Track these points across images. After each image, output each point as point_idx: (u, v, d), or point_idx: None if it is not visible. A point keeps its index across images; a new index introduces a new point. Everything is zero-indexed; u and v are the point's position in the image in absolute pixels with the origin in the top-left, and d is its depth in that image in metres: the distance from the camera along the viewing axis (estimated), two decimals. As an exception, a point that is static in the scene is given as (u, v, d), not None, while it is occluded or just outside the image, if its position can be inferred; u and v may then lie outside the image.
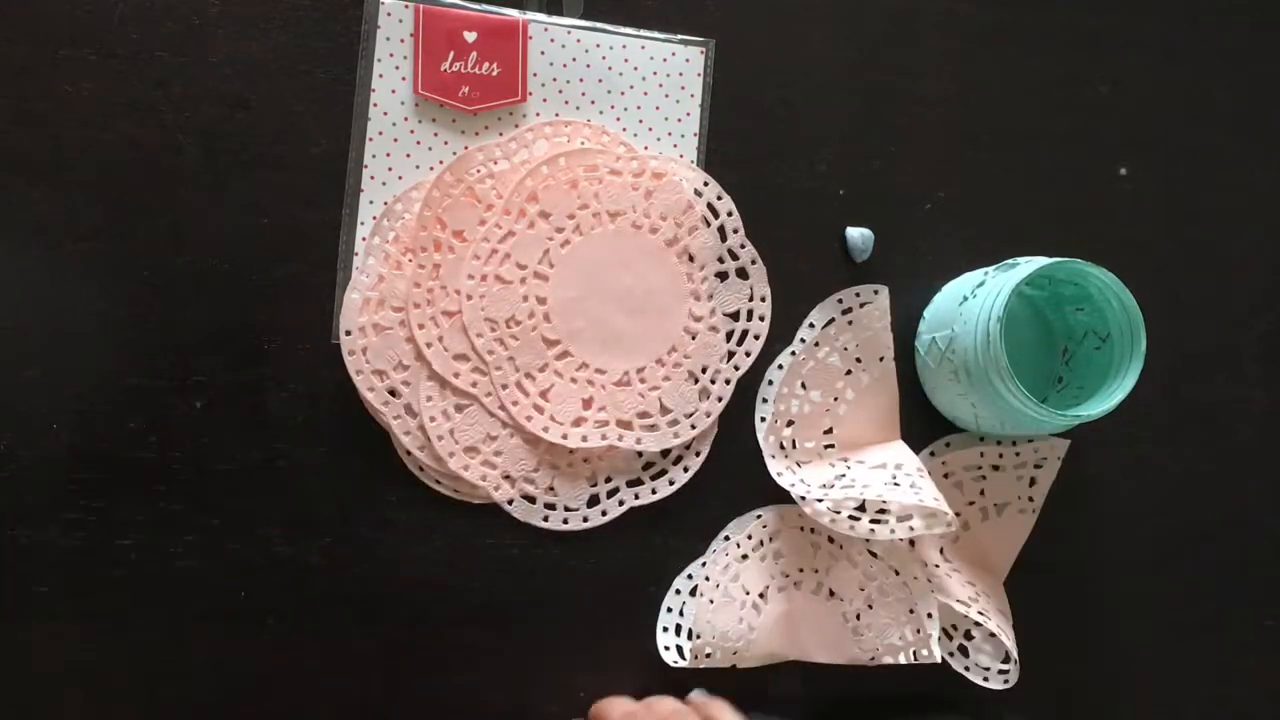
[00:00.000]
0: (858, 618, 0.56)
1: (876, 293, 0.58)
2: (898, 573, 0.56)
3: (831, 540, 0.57)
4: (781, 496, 0.56)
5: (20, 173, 0.54)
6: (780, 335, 0.58)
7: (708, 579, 0.56)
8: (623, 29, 0.58)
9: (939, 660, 0.55)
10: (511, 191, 0.56)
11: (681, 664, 0.55)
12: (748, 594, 0.55)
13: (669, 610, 0.56)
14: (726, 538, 0.57)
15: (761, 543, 0.57)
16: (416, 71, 0.56)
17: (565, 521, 0.56)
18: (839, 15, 0.60)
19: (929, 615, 0.56)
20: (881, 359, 0.58)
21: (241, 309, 0.55)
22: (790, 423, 0.57)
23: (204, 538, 0.54)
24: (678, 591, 0.57)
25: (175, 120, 0.55)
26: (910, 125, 0.60)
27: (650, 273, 0.57)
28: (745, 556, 0.56)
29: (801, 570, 0.57)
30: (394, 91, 0.56)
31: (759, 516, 0.57)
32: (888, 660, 0.55)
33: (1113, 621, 0.60)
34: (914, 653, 0.55)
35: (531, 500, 0.56)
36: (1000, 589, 0.58)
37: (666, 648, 0.55)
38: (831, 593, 0.56)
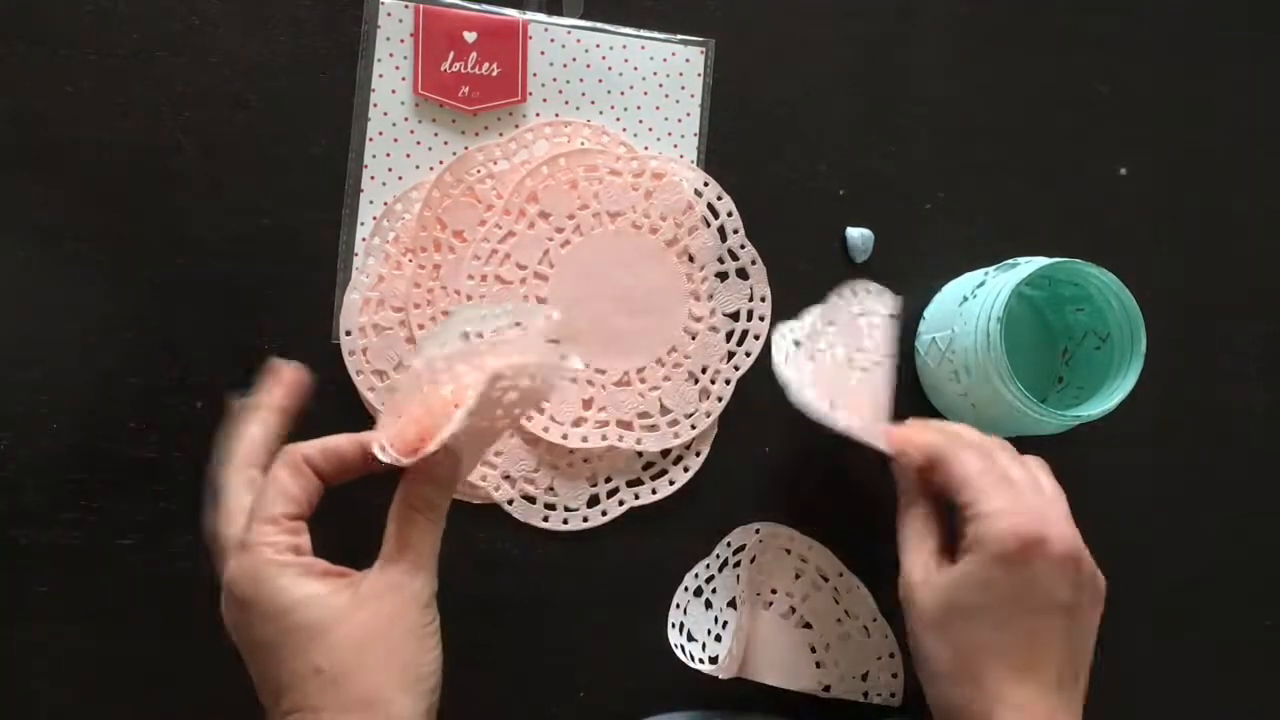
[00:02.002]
0: (827, 648, 0.56)
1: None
2: (868, 631, 0.57)
3: (821, 575, 0.57)
4: (779, 507, 0.56)
5: (20, 173, 0.54)
6: (780, 335, 0.58)
7: (707, 581, 0.56)
8: (623, 29, 0.58)
9: (898, 704, 0.56)
10: (511, 192, 0.56)
11: (689, 663, 0.55)
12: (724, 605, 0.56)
13: (677, 607, 0.56)
14: (728, 544, 0.57)
15: (753, 558, 0.57)
16: (416, 71, 0.56)
17: (565, 521, 0.56)
18: (839, 15, 0.60)
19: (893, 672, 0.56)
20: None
21: (241, 309, 0.55)
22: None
23: (204, 538, 0.54)
24: (685, 589, 0.56)
25: (175, 120, 0.55)
26: (910, 125, 0.60)
27: (650, 273, 0.57)
28: (725, 564, 0.56)
29: (775, 591, 0.56)
30: (394, 91, 0.56)
31: (757, 531, 0.57)
32: (844, 695, 0.56)
33: (1113, 621, 0.60)
34: (877, 695, 0.56)
35: (531, 500, 0.56)
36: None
37: (679, 646, 0.55)
38: (807, 625, 0.56)
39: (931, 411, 0.59)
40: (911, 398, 0.59)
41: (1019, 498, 0.43)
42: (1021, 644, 0.41)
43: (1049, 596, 0.41)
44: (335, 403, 0.55)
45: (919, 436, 0.47)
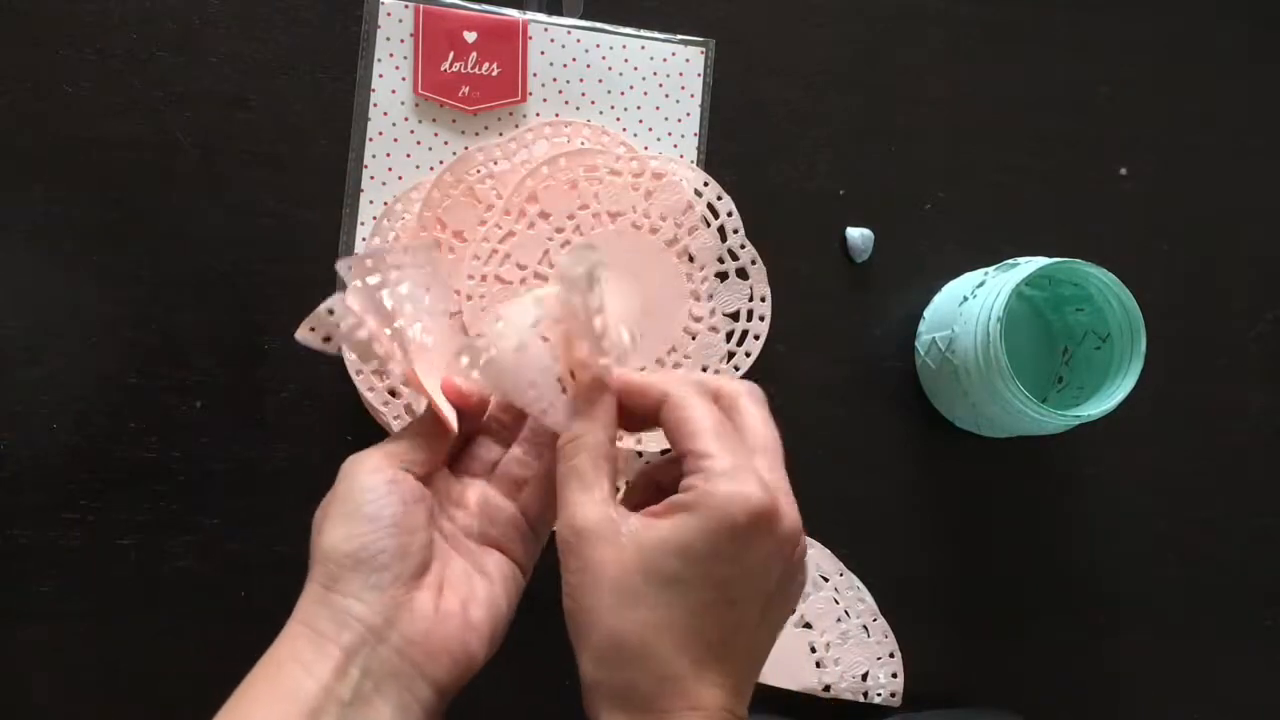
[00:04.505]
0: (827, 648, 0.56)
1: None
2: (868, 631, 0.57)
3: (821, 575, 0.57)
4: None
5: (20, 173, 0.54)
6: (780, 335, 0.58)
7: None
8: (623, 29, 0.58)
9: (898, 704, 0.56)
10: (511, 192, 0.55)
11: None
12: None
13: None
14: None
15: None
16: (416, 71, 0.56)
17: (565, 521, 0.56)
18: (839, 15, 0.60)
19: (895, 672, 0.57)
20: None
21: (241, 309, 0.55)
22: None
23: (204, 538, 0.54)
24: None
25: (175, 120, 0.55)
26: (910, 125, 0.60)
27: (650, 273, 0.57)
28: None
29: None
30: (394, 91, 0.56)
31: None
32: (844, 695, 0.56)
33: (1113, 621, 0.60)
34: (877, 694, 0.56)
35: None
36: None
37: None
38: (808, 625, 0.56)
39: (931, 411, 0.59)
40: (912, 398, 0.59)
41: (750, 456, 0.35)
42: (716, 635, 0.33)
43: (757, 583, 0.34)
44: (335, 403, 0.55)
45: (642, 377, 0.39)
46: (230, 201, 0.55)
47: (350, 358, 0.54)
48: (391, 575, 0.36)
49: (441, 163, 0.56)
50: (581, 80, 0.58)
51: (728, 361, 0.57)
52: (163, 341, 0.54)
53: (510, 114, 0.57)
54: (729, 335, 0.58)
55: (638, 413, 0.38)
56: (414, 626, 0.36)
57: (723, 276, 0.58)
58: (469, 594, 0.39)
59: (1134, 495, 0.61)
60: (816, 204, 0.59)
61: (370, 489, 0.37)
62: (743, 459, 0.35)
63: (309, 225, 0.56)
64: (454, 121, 0.57)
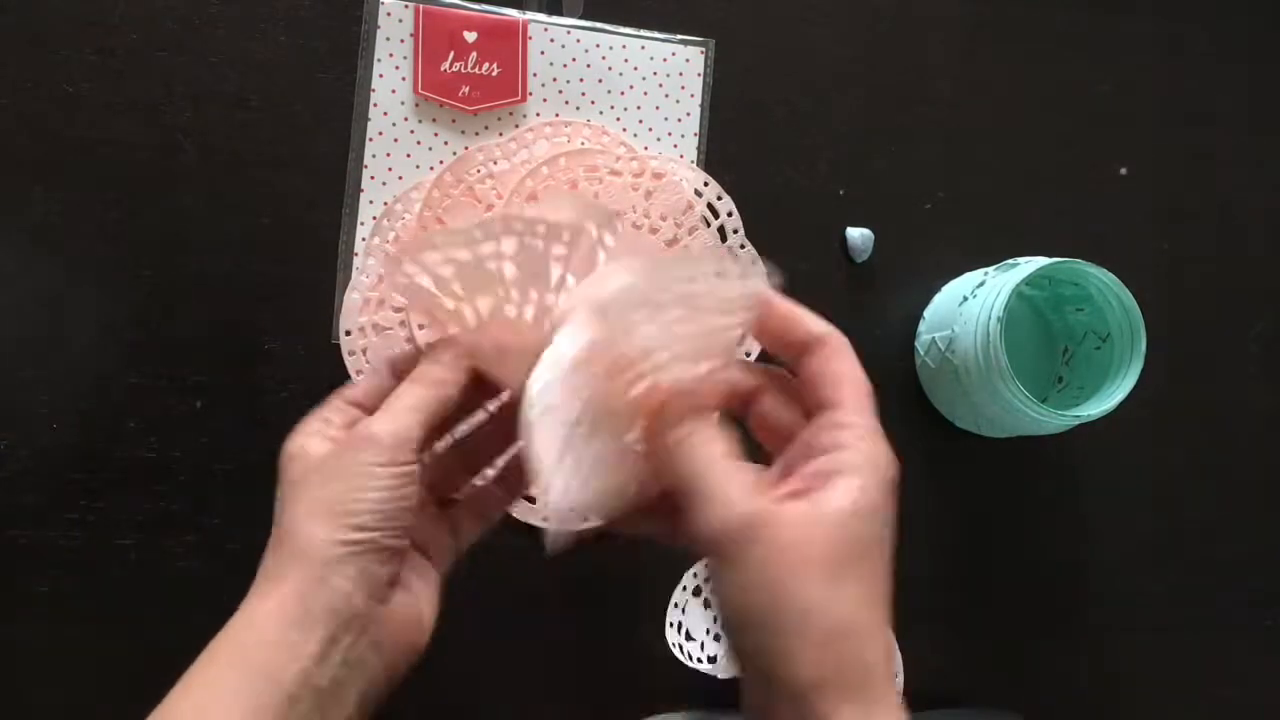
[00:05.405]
0: None
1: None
2: None
3: None
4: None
5: (20, 173, 0.54)
6: (780, 335, 0.58)
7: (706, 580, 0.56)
8: (623, 29, 0.58)
9: None
10: (511, 191, 0.55)
11: (688, 663, 0.55)
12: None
13: (676, 606, 0.56)
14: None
15: None
16: (416, 71, 0.56)
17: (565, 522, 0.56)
18: (839, 15, 0.60)
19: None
20: None
21: (241, 309, 0.55)
22: None
23: (204, 538, 0.54)
24: (684, 589, 0.56)
25: (175, 120, 0.55)
26: (910, 125, 0.60)
27: (650, 273, 0.57)
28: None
29: None
30: (394, 91, 0.56)
31: None
32: None
33: (1111, 621, 0.60)
34: None
35: (531, 500, 0.56)
36: None
37: (678, 645, 0.55)
38: None
39: (931, 411, 0.59)
40: (912, 398, 0.59)
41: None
42: (889, 591, 0.32)
43: (893, 533, 0.33)
44: (335, 403, 0.55)
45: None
46: (230, 201, 0.55)
47: (350, 358, 0.54)
48: (389, 571, 0.36)
49: (441, 163, 0.56)
50: (581, 80, 0.58)
51: (728, 361, 0.57)
52: (163, 341, 0.54)
53: (510, 114, 0.57)
54: (729, 335, 0.58)
55: (779, 344, 0.38)
56: (390, 621, 0.36)
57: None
58: (421, 590, 0.39)
59: (1134, 495, 0.61)
60: (816, 204, 0.59)
61: (390, 482, 0.35)
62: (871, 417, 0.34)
63: (309, 225, 0.56)
64: (454, 121, 0.57)
